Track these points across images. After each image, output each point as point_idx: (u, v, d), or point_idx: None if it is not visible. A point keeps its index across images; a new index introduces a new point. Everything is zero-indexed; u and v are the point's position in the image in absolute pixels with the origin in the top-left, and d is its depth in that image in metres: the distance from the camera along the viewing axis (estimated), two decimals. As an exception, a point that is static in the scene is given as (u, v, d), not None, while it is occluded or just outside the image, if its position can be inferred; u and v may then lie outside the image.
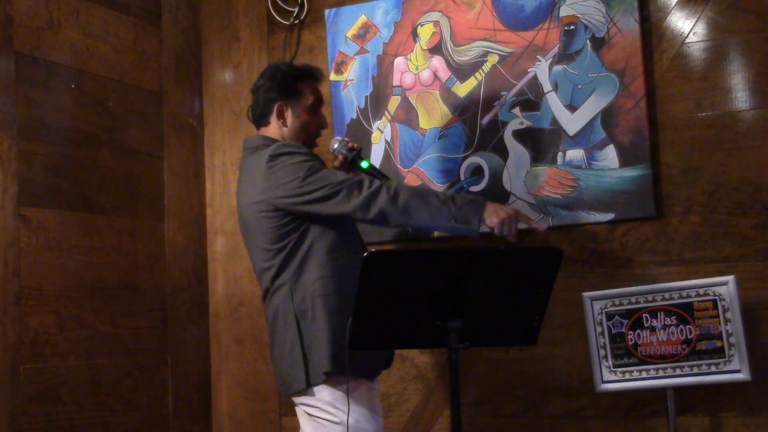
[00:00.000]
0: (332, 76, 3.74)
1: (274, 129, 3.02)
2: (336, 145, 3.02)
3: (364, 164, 2.99)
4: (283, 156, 2.87)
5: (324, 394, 2.82)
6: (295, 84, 3.01)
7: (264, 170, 2.87)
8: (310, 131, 3.03)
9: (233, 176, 3.95)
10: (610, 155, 3.30)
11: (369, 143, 3.64)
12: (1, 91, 3.12)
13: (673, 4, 3.29)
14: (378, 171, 3.06)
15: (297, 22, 3.86)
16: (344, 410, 2.76)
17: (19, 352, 3.10)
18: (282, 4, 3.89)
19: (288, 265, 2.86)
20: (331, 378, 2.79)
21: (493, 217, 2.79)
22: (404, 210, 2.77)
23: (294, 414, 3.78)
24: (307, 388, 2.83)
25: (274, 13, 3.90)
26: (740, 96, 3.20)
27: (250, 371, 3.86)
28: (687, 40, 3.27)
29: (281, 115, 3.00)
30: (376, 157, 3.62)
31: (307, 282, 2.83)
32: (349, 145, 3.08)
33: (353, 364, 2.62)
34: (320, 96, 3.08)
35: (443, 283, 2.38)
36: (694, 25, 3.26)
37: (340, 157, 3.09)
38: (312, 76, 3.08)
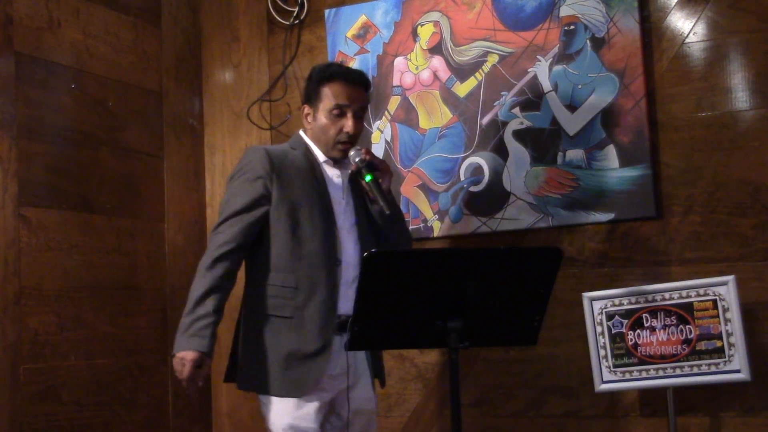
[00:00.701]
0: (332, 76, 3.74)
1: (306, 129, 3.02)
2: (352, 152, 2.98)
3: (367, 178, 2.92)
4: (236, 174, 2.95)
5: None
6: (319, 87, 2.94)
7: None
8: (329, 137, 2.92)
9: (233, 176, 3.95)
10: (610, 155, 3.30)
11: (369, 143, 3.64)
12: (1, 91, 3.13)
13: (673, 4, 3.29)
14: (379, 188, 2.90)
15: (297, 22, 3.86)
16: (267, 407, 2.87)
17: (19, 352, 3.10)
18: (282, 4, 3.89)
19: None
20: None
21: (176, 365, 2.88)
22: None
23: (294, 414, 3.79)
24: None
25: (274, 13, 3.90)
26: (740, 96, 3.20)
27: (250, 371, 3.85)
28: (687, 40, 3.27)
29: (306, 118, 2.99)
30: (376, 157, 3.62)
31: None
32: (363, 155, 2.96)
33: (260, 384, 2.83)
34: (346, 102, 2.91)
35: (443, 283, 2.38)
36: (694, 25, 3.26)
37: (352, 165, 3.04)
38: (343, 78, 2.94)
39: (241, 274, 2.90)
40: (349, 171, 2.97)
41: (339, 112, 2.91)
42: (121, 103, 3.61)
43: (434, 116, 3.58)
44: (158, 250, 3.73)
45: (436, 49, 3.59)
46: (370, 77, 3.62)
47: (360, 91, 2.96)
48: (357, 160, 2.91)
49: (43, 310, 3.20)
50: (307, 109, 2.98)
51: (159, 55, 3.83)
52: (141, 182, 3.68)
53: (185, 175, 3.91)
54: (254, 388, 2.89)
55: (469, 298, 2.41)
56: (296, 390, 2.80)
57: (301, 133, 3.03)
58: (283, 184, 2.88)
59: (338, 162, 2.97)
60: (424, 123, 3.59)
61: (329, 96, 2.91)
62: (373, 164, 2.92)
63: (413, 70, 3.61)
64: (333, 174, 2.97)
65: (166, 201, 3.79)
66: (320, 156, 2.96)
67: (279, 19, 3.90)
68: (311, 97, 2.96)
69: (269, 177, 2.87)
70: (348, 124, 2.91)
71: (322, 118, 2.92)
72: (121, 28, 3.64)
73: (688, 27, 3.27)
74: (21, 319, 3.11)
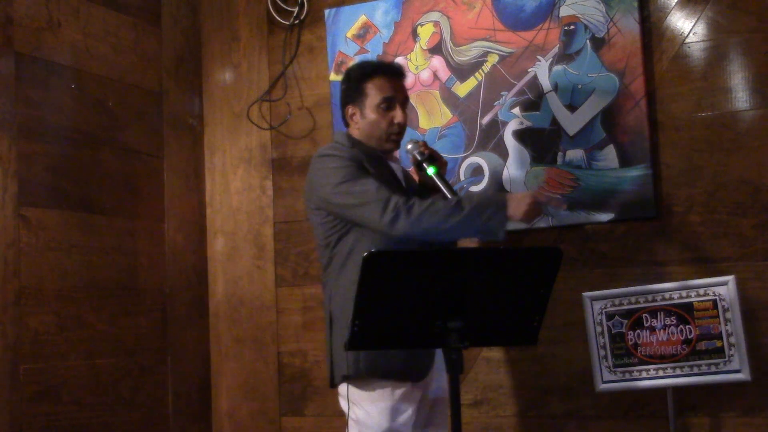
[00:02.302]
0: (332, 76, 3.74)
1: (352, 129, 3.02)
2: (409, 146, 3.00)
3: (431, 170, 2.93)
4: (326, 158, 2.92)
5: (345, 392, 2.88)
6: (361, 84, 2.96)
7: (311, 168, 2.98)
8: (382, 130, 2.95)
9: (233, 176, 3.96)
10: (610, 155, 3.30)
11: (369, 143, 3.64)
12: (1, 91, 3.12)
13: (673, 4, 3.29)
14: (443, 179, 2.95)
15: (297, 22, 3.86)
16: (360, 408, 2.82)
17: (19, 352, 3.10)
18: (282, 4, 3.89)
19: (331, 263, 2.94)
20: (353, 379, 2.84)
21: (517, 214, 2.80)
22: (426, 233, 2.79)
23: (294, 414, 3.79)
24: (333, 386, 2.93)
25: (274, 13, 3.90)
26: (740, 96, 3.20)
27: (250, 371, 3.86)
28: (687, 40, 3.27)
29: (352, 118, 3.00)
30: (376, 157, 3.63)
31: (346, 284, 2.84)
32: (421, 148, 3.01)
33: (378, 366, 2.75)
34: (392, 94, 2.96)
35: (443, 283, 2.38)
36: (694, 25, 3.26)
37: (411, 158, 3.05)
38: (382, 72, 2.99)
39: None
40: (409, 156, 3.04)
41: (387, 105, 2.95)
42: (121, 103, 3.61)
43: (434, 116, 3.58)
44: (158, 250, 3.73)
45: (436, 49, 3.59)
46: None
47: (401, 82, 3.02)
48: (416, 152, 3.00)
49: (43, 310, 3.20)
50: (351, 110, 2.99)
51: (159, 55, 3.83)
52: (141, 182, 3.68)
53: (185, 175, 3.91)
54: (354, 373, 2.81)
55: (469, 298, 2.41)
56: (403, 372, 2.81)
57: (345, 133, 3.02)
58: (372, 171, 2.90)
59: (389, 154, 3.02)
60: (424, 123, 3.59)
61: (374, 91, 2.95)
62: (433, 157, 3.01)
63: (413, 70, 3.61)
64: (393, 166, 3.02)
65: (166, 201, 3.79)
66: (377, 150, 2.99)
67: (279, 19, 3.90)
68: (354, 97, 2.97)
69: (360, 163, 2.89)
70: (398, 114, 2.96)
71: (371, 113, 2.95)
72: (121, 28, 3.64)
73: (688, 27, 3.27)
74: (21, 319, 3.11)
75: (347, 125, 3.04)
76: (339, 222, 2.90)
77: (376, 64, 3.06)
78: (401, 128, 2.99)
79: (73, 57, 3.42)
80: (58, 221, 3.29)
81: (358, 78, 2.98)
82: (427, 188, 3.05)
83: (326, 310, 2.95)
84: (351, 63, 3.64)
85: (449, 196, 2.89)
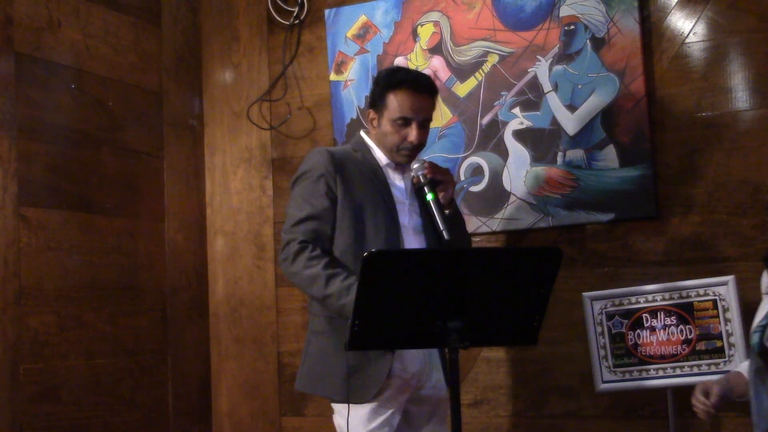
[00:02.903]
0: (332, 76, 3.74)
1: (371, 131, 2.99)
2: (415, 165, 2.96)
3: (429, 196, 2.88)
4: (300, 176, 2.94)
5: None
6: (385, 93, 2.89)
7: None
8: (393, 144, 2.89)
9: (233, 176, 3.96)
10: (610, 155, 3.30)
11: (369, 143, 3.64)
12: (1, 91, 3.13)
13: (673, 4, 3.29)
14: (439, 208, 2.85)
15: (297, 22, 3.86)
16: (340, 415, 2.84)
17: (19, 352, 3.10)
18: (282, 4, 3.89)
19: None
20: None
21: None
22: (299, 287, 2.87)
23: (294, 414, 3.79)
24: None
25: (274, 13, 3.90)
26: (740, 96, 3.20)
27: (250, 371, 3.86)
28: (687, 40, 3.27)
29: (371, 122, 2.95)
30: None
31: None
32: (425, 170, 2.91)
33: (317, 387, 2.87)
34: (410, 116, 2.86)
35: (443, 283, 2.38)
36: (694, 25, 3.26)
37: (414, 179, 3.02)
38: (408, 86, 2.86)
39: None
40: (412, 176, 2.93)
41: (403, 123, 2.87)
42: (121, 103, 3.61)
43: (434, 116, 3.57)
44: (158, 250, 3.73)
45: (436, 49, 3.59)
46: (370, 77, 3.63)
47: (426, 100, 2.90)
48: (420, 174, 2.89)
49: (43, 310, 3.20)
50: (372, 114, 2.95)
51: (159, 55, 3.83)
52: (141, 182, 3.68)
53: (185, 175, 3.91)
54: (323, 392, 2.87)
55: (469, 298, 2.40)
56: (364, 395, 2.79)
57: (363, 134, 3.01)
58: (347, 184, 2.87)
59: (400, 165, 2.95)
60: (424, 123, 3.59)
61: (394, 106, 2.86)
62: (434, 181, 2.89)
63: (413, 70, 3.60)
64: (395, 177, 2.96)
65: (166, 201, 3.79)
66: (383, 159, 2.94)
67: (279, 19, 3.90)
68: (377, 103, 2.92)
69: (332, 177, 2.86)
70: (412, 134, 2.87)
71: (386, 125, 2.89)
72: (121, 28, 3.64)
73: (688, 27, 3.27)
74: (21, 319, 3.11)
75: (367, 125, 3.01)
76: None
77: (404, 75, 2.93)
78: (414, 146, 2.90)
79: (73, 57, 3.42)
80: (58, 221, 3.29)
81: (384, 85, 2.90)
82: (426, 208, 2.96)
83: (310, 314, 2.97)
84: (351, 65, 3.64)
85: (441, 225, 2.79)
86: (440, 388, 2.96)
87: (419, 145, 2.92)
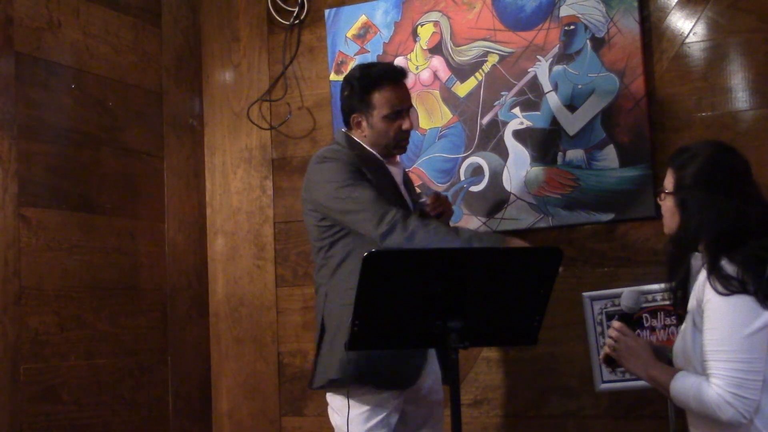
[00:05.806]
0: (332, 76, 3.74)
1: (357, 133, 2.99)
2: (423, 199, 3.06)
3: None
4: (326, 161, 2.91)
5: (331, 398, 2.92)
6: (368, 94, 2.92)
7: (310, 169, 2.95)
8: (390, 138, 2.94)
9: (233, 176, 3.96)
10: (610, 155, 3.30)
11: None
12: (1, 91, 3.13)
13: (673, 4, 3.29)
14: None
15: (297, 22, 3.86)
16: (339, 414, 2.84)
17: (19, 352, 3.10)
18: (282, 4, 3.89)
19: (325, 265, 2.92)
20: (336, 384, 2.85)
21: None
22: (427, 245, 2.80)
23: (294, 414, 3.79)
24: (314, 390, 2.94)
25: (274, 13, 3.90)
26: (740, 96, 3.20)
27: (250, 371, 3.86)
28: (687, 40, 3.27)
29: (359, 126, 2.96)
30: (376, 157, 3.63)
31: (340, 288, 2.85)
32: (427, 208, 3.00)
33: (365, 373, 2.75)
34: (400, 106, 2.93)
35: (443, 283, 2.38)
36: (694, 25, 3.26)
37: (416, 208, 3.03)
38: (388, 80, 2.93)
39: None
40: (404, 169, 3.03)
41: (395, 116, 2.93)
42: (121, 103, 3.61)
43: (434, 116, 3.58)
44: (158, 250, 3.73)
45: (436, 49, 3.59)
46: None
47: (405, 86, 3.00)
48: (426, 208, 2.99)
49: (43, 310, 3.20)
50: (357, 117, 2.95)
51: (159, 55, 3.83)
52: (141, 182, 3.68)
53: (185, 175, 3.91)
54: (341, 378, 2.81)
55: (469, 298, 2.40)
56: (389, 380, 2.80)
57: (345, 134, 3.00)
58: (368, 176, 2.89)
59: (392, 158, 3.01)
60: (424, 123, 3.59)
61: (382, 103, 2.91)
62: (438, 217, 2.99)
63: (413, 70, 3.61)
64: (393, 171, 3.00)
65: (166, 201, 3.79)
66: (375, 154, 2.98)
67: (279, 19, 3.90)
68: (360, 107, 2.94)
69: (359, 169, 2.88)
70: (406, 122, 2.95)
71: (379, 123, 2.92)
72: (121, 28, 3.64)
73: (688, 27, 3.27)
74: (21, 319, 3.11)
75: (350, 128, 3.01)
76: (334, 226, 2.89)
77: (379, 71, 2.98)
78: (409, 134, 2.99)
79: (73, 57, 3.42)
80: (58, 221, 3.29)
81: (364, 86, 2.92)
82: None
83: (318, 313, 2.95)
84: (351, 65, 3.64)
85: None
86: (437, 390, 2.97)
87: (410, 131, 3.00)
